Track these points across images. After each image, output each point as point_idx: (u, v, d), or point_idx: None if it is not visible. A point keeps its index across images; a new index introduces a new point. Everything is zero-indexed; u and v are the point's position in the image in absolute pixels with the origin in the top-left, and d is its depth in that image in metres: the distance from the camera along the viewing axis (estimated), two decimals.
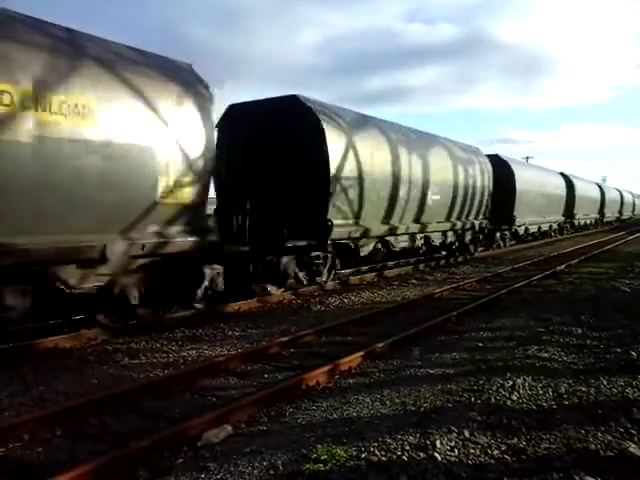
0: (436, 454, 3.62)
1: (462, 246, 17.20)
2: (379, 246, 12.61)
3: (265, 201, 10.42)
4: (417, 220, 13.84)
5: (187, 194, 7.45)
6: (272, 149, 10.92)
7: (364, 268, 13.61)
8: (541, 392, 4.92)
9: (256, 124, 10.97)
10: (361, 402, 4.70)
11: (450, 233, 15.88)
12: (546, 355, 6.14)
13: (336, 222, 10.63)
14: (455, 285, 11.72)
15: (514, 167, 21.64)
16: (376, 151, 11.99)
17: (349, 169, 10.98)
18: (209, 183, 7.92)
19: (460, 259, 17.20)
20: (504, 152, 23.74)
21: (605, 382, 5.16)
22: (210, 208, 8.72)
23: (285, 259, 10.12)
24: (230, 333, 7.51)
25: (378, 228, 12.18)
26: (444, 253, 16.78)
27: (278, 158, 10.90)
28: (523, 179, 22.00)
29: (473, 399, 4.70)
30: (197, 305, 8.23)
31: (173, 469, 3.55)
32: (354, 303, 9.96)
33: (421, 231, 14.20)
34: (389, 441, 3.80)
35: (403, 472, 3.37)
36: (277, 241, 9.78)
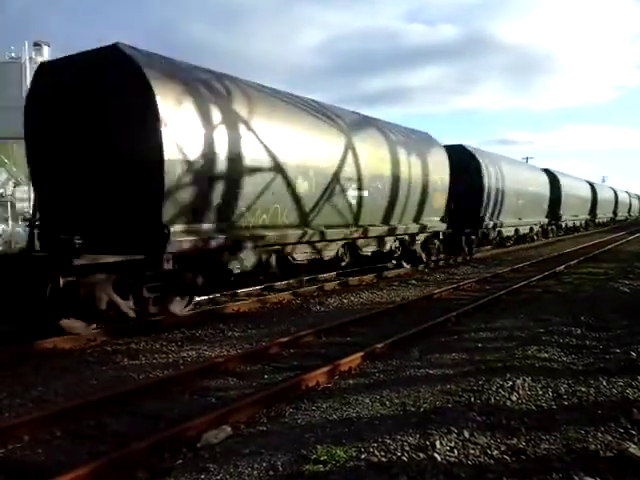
0: (436, 454, 3.62)
1: (409, 254, 14.34)
2: (271, 259, 9.38)
3: (69, 197, 7.87)
4: (332, 223, 10.65)
5: None
6: (86, 122, 7.68)
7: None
8: (541, 392, 4.91)
9: (69, 88, 7.84)
10: (361, 403, 4.70)
11: (388, 239, 12.87)
12: (546, 355, 6.14)
13: (180, 228, 7.45)
14: (455, 285, 11.72)
15: (482, 159, 18.30)
16: (262, 128, 8.81)
17: (203, 150, 7.74)
18: None
19: (451, 261, 17.11)
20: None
21: (605, 382, 5.15)
22: None
23: (90, 281, 6.72)
24: (230, 334, 7.51)
25: (268, 233, 9.00)
26: (393, 263, 14.16)
27: (93, 136, 7.63)
28: (494, 174, 18.82)
29: (473, 399, 4.70)
30: None
31: (173, 470, 3.55)
32: (353, 303, 9.97)
33: (341, 238, 11.02)
34: (389, 442, 3.80)
35: (403, 473, 3.37)
36: (65, 255, 6.52)
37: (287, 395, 4.90)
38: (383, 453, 3.64)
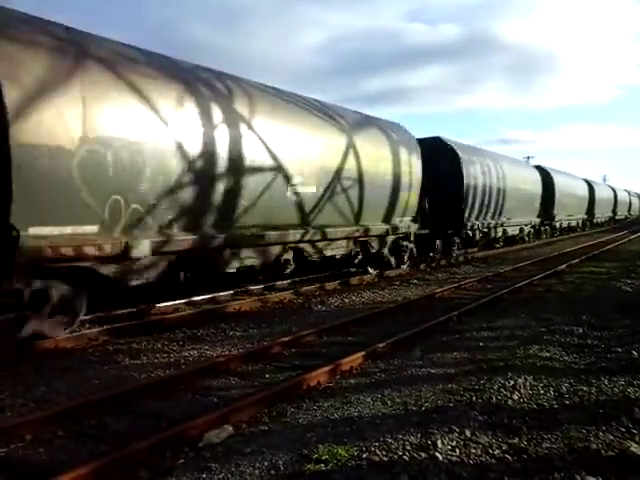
0: (437, 454, 3.62)
1: (373, 259, 12.91)
2: (183, 270, 7.72)
3: None
4: (267, 224, 9.00)
5: None
6: None
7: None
8: (542, 392, 4.91)
9: None
10: (362, 402, 4.70)
11: (346, 242, 11.37)
12: (547, 355, 6.14)
13: (44, 232, 5.77)
14: (456, 285, 11.72)
15: (461, 153, 16.40)
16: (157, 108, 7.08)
17: (77, 134, 6.05)
18: None
19: (453, 261, 17.07)
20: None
21: (606, 382, 5.15)
22: None
23: None
24: (231, 333, 7.51)
25: (182, 238, 7.39)
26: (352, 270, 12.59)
27: None
28: (475, 169, 16.97)
29: (474, 399, 4.70)
30: None
31: (174, 469, 3.55)
32: (355, 303, 9.96)
33: (280, 241, 9.39)
34: (390, 441, 3.80)
35: (404, 472, 3.37)
36: None
37: (289, 394, 4.90)
38: (385, 452, 3.65)
